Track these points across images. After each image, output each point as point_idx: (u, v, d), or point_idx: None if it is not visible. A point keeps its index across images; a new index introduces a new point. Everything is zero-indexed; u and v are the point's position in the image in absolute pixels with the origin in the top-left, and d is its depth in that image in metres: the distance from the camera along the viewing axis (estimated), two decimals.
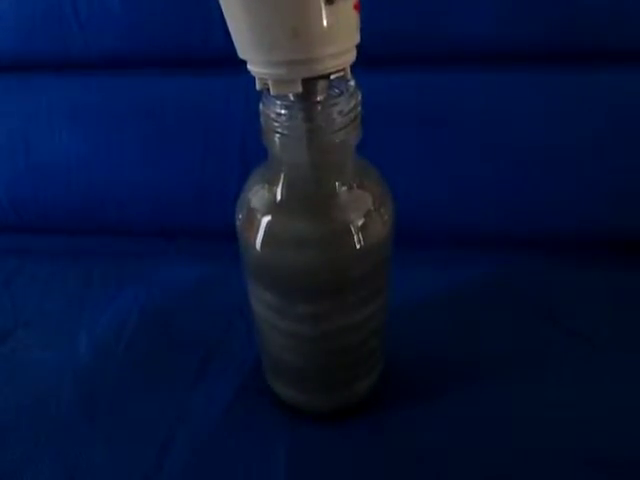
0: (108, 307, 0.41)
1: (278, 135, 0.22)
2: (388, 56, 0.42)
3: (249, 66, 0.21)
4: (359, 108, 0.23)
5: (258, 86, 0.22)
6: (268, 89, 0.21)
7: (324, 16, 0.19)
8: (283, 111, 0.22)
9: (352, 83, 0.22)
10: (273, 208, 0.25)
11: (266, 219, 0.25)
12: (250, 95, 0.42)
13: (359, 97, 0.23)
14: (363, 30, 0.21)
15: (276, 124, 0.22)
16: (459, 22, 0.40)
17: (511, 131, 0.43)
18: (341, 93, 0.22)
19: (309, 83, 0.21)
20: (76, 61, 0.46)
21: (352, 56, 0.21)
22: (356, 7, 0.20)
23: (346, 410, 0.33)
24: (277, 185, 0.24)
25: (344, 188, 0.24)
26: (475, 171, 0.44)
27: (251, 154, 0.44)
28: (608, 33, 0.40)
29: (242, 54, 0.21)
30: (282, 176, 0.24)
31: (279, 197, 0.24)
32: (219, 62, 0.43)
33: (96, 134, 0.47)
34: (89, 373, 0.36)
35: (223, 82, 0.45)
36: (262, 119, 0.23)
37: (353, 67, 0.22)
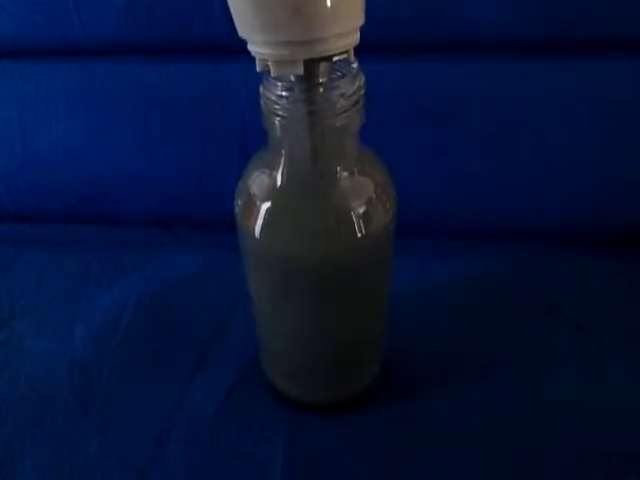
0: (105, 297, 0.40)
1: (278, 118, 0.22)
2: (388, 44, 0.41)
3: (249, 46, 0.21)
4: (362, 91, 0.22)
5: (258, 67, 0.21)
6: (269, 70, 0.21)
7: None
8: (284, 93, 0.21)
9: (355, 65, 0.22)
10: (273, 194, 0.24)
11: (265, 205, 0.24)
12: (250, 83, 0.43)
13: (362, 80, 0.22)
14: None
15: (276, 107, 0.22)
16: (460, 8, 0.39)
17: (513, 122, 0.42)
18: (343, 75, 0.22)
19: (311, 65, 0.20)
20: (74, 47, 0.45)
21: (356, 38, 0.21)
22: None
23: (345, 403, 0.32)
24: (277, 170, 0.24)
25: (345, 174, 0.24)
26: (476, 161, 0.43)
27: (251, 143, 0.44)
28: (613, 22, 0.39)
29: (242, 33, 0.20)
30: (282, 161, 0.23)
31: (279, 183, 0.24)
32: (219, 49, 0.42)
33: (94, 122, 0.46)
34: (85, 363, 0.35)
35: (223, 70, 0.44)
36: (262, 102, 0.22)
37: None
